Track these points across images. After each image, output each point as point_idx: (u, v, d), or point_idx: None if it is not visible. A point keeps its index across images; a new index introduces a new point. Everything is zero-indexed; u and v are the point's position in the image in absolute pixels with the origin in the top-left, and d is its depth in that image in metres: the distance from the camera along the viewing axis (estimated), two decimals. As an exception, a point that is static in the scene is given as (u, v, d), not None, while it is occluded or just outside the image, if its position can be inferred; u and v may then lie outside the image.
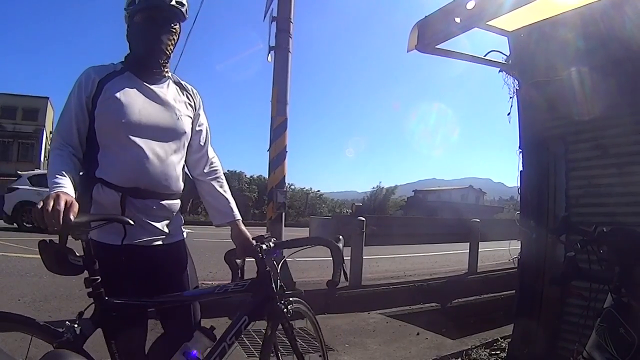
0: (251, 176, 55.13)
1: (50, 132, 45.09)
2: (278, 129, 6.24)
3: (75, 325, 1.65)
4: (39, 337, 1.71)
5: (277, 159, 6.23)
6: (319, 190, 62.93)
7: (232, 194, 2.28)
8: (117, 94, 1.95)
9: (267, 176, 6.81)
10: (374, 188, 60.14)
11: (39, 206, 1.52)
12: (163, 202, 2.03)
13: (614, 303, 2.09)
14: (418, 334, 4.94)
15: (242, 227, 2.19)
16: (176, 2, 1.98)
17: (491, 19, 3.49)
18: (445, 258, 10.55)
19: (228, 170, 53.59)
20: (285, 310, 2.06)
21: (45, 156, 43.79)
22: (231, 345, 1.87)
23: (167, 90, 2.10)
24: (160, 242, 2.03)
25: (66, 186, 1.69)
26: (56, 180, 1.71)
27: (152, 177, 1.96)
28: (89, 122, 1.95)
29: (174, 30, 2.06)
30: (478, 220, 8.40)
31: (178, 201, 2.13)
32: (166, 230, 2.05)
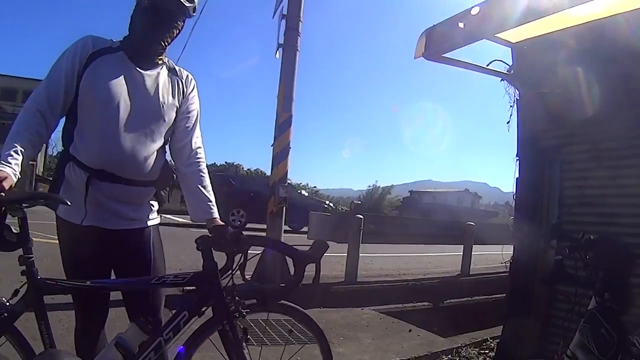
0: (248, 169, 55.22)
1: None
2: (283, 125, 6.32)
3: (7, 303, 1.65)
4: None
5: (281, 154, 6.32)
6: (315, 187, 62.90)
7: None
8: (103, 73, 1.94)
9: (264, 170, 6.89)
10: (370, 187, 60.20)
11: None
12: (131, 188, 2.01)
13: (597, 305, 2.24)
14: (410, 330, 5.08)
15: (219, 222, 2.10)
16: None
17: (499, 32, 3.62)
18: (439, 259, 10.67)
19: (225, 162, 53.79)
20: (232, 308, 1.87)
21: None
22: (168, 340, 1.77)
23: (157, 77, 2.08)
24: (123, 227, 2.04)
25: (10, 163, 1.67)
26: (6, 154, 1.70)
27: (120, 161, 1.94)
28: (75, 92, 1.94)
29: (176, 25, 2.06)
30: (473, 223, 8.56)
31: (149, 188, 2.12)
32: (131, 215, 2.06)
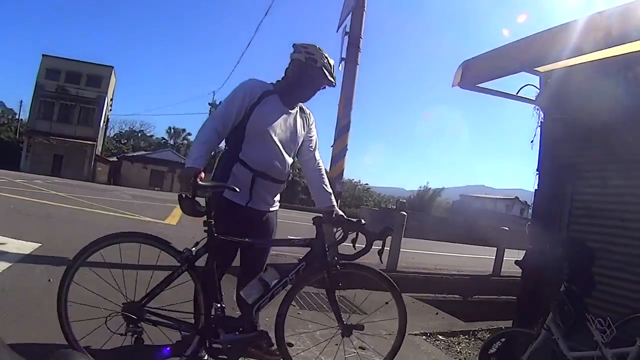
0: (304, 163, 56.02)
1: (111, 100, 46.87)
2: (342, 129, 7.12)
3: (193, 249, 2.48)
4: (167, 252, 2.50)
5: (339, 154, 7.13)
6: (367, 184, 63.07)
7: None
8: (268, 110, 2.82)
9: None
10: (421, 187, 60.09)
11: (180, 172, 2.52)
12: (275, 184, 2.94)
13: (564, 289, 3.00)
14: (437, 313, 5.88)
15: (336, 208, 2.97)
16: (334, 80, 2.91)
17: (538, 66, 4.21)
18: (476, 260, 11.22)
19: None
20: (331, 262, 2.64)
21: (104, 121, 45.30)
22: (291, 280, 2.61)
23: (296, 115, 2.97)
24: (265, 209, 2.97)
25: (201, 164, 2.56)
26: (197, 156, 2.60)
27: (275, 168, 2.86)
28: (242, 118, 2.79)
29: (321, 89, 2.95)
30: (507, 228, 9.11)
31: (283, 185, 3.03)
32: (270, 202, 2.99)
